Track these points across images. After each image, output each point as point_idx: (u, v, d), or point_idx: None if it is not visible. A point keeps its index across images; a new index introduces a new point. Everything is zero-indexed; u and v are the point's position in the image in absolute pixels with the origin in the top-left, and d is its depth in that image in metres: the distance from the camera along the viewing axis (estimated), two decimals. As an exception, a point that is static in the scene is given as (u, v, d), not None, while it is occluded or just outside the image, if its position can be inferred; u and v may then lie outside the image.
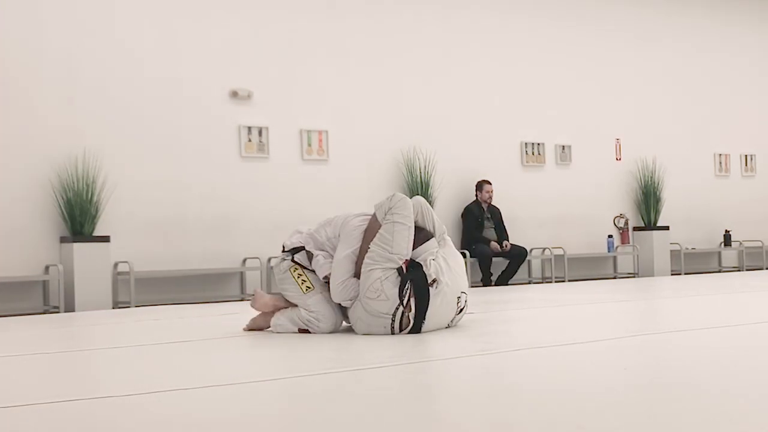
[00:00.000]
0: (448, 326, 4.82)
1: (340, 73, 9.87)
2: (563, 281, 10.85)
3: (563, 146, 11.54)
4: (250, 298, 8.79)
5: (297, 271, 4.87)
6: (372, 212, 4.87)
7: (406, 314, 4.58)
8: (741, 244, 12.83)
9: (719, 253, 12.93)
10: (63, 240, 8.11)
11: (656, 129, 12.34)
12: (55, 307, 7.90)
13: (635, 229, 12.03)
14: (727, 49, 13.22)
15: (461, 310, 4.85)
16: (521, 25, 11.31)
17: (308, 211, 9.01)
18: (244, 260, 9.06)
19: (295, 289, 4.86)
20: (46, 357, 4.40)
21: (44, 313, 7.84)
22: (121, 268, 8.31)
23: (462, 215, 10.57)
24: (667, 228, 12.00)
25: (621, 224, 11.92)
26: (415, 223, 4.79)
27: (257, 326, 5.06)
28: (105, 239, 8.15)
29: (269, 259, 8.86)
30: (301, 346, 4.35)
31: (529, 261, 10.82)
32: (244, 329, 5.09)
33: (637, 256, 11.84)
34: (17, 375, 3.83)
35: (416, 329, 4.62)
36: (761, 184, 13.46)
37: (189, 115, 8.91)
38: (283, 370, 3.77)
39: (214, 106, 9.06)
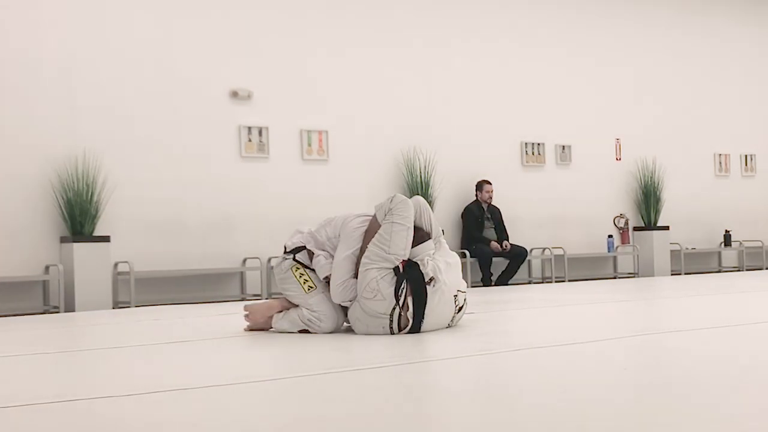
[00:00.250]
0: (449, 326, 4.81)
1: (341, 74, 9.87)
2: (563, 281, 10.85)
3: (563, 146, 11.54)
4: (250, 298, 8.87)
5: (299, 271, 4.87)
6: (372, 213, 4.87)
7: (404, 314, 4.57)
8: (741, 244, 12.83)
9: (719, 253, 12.93)
10: (63, 240, 8.11)
11: (656, 129, 12.34)
12: (55, 307, 7.90)
13: (635, 229, 12.03)
14: (728, 48, 13.21)
15: (460, 309, 4.83)
16: (521, 25, 11.32)
17: (308, 211, 9.00)
18: (244, 260, 9.06)
19: (297, 289, 4.85)
20: (46, 357, 4.40)
21: (44, 313, 7.84)
22: (121, 268, 8.31)
23: (462, 215, 10.57)
24: (667, 228, 12.00)
25: (621, 224, 11.92)
26: (414, 222, 4.79)
27: (258, 326, 5.06)
28: (105, 239, 8.15)
29: (269, 259, 8.86)
30: (301, 346, 4.35)
31: (529, 261, 10.82)
32: (245, 330, 5.09)
33: (637, 256, 11.84)
34: (17, 375, 3.83)
35: (415, 329, 4.61)
36: (761, 184, 13.46)
37: (189, 115, 8.91)
38: (283, 370, 3.77)
39: (214, 106, 9.06)
